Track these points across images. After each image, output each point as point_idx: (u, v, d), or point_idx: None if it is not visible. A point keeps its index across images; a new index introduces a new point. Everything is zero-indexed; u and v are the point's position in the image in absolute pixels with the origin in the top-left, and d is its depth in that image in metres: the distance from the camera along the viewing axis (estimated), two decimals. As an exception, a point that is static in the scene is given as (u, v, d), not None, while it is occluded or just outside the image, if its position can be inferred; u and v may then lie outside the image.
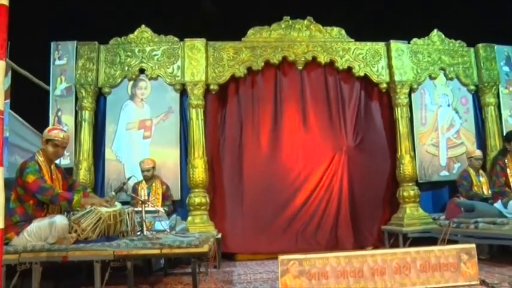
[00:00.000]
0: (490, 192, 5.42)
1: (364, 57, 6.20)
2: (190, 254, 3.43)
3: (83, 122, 5.67)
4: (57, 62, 5.84)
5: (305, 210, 5.99)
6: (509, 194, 4.74)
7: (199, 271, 4.14)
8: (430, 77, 6.36)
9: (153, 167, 5.55)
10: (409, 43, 6.33)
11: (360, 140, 6.28)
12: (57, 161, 3.98)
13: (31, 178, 3.44)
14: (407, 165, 5.93)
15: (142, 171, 5.49)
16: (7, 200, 3.53)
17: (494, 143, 6.22)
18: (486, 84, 6.39)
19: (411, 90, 6.23)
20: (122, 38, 6.02)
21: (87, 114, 5.71)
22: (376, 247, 5.88)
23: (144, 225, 3.79)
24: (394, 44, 6.22)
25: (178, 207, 5.80)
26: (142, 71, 5.96)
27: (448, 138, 6.35)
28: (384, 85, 6.19)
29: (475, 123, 6.52)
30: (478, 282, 3.38)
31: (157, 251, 3.37)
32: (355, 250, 4.95)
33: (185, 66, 5.88)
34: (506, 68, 6.59)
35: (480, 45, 6.52)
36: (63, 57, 5.85)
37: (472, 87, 6.48)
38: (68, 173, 4.36)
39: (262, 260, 5.48)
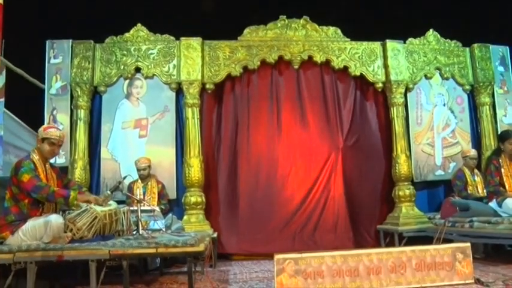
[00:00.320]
0: (484, 191, 5.44)
1: (360, 56, 6.21)
2: (186, 253, 3.42)
3: (79, 121, 5.65)
4: (53, 61, 5.82)
5: (302, 210, 5.99)
6: (503, 193, 4.77)
7: (195, 270, 4.13)
8: (426, 77, 6.37)
9: (149, 166, 5.54)
10: (404, 43, 6.35)
11: (356, 140, 6.28)
12: (52, 160, 3.96)
13: (26, 177, 3.42)
14: (403, 164, 5.94)
15: (138, 170, 5.48)
16: (2, 199, 3.55)
17: (489, 142, 6.25)
18: (481, 84, 6.42)
19: (407, 89, 6.24)
20: (118, 36, 6.00)
21: (82, 113, 5.69)
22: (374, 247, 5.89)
23: (140, 225, 3.78)
24: (390, 44, 6.23)
25: (174, 206, 5.79)
26: (138, 69, 5.94)
27: (444, 137, 6.37)
28: (380, 85, 6.20)
29: (470, 122, 6.54)
30: (473, 281, 3.39)
31: (152, 250, 3.36)
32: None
33: (181, 65, 5.87)
34: (501, 68, 6.62)
35: (475, 45, 6.55)
36: (59, 55, 5.83)
37: (468, 87, 6.50)
38: (63, 172, 4.35)
39: (258, 259, 5.48)
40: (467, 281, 3.39)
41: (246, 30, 6.17)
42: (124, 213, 3.79)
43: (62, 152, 5.50)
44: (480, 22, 7.12)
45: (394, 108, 6.11)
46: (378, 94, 6.33)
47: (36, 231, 3.40)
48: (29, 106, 6.30)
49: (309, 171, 6.10)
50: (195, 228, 5.28)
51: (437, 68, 6.41)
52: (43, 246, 3.29)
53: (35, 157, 3.62)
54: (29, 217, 3.48)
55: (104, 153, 5.80)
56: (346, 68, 6.18)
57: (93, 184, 5.74)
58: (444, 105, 6.44)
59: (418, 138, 6.27)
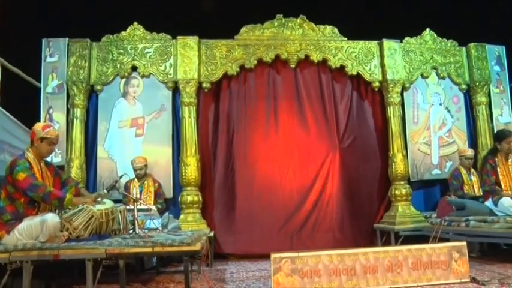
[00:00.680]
0: (481, 190, 5.46)
1: (356, 55, 6.21)
2: (182, 252, 3.42)
3: (75, 120, 5.64)
4: (49, 59, 5.81)
5: (299, 210, 5.98)
6: (499, 193, 4.78)
7: (191, 269, 4.12)
8: (422, 76, 6.39)
9: (145, 165, 5.54)
10: (401, 42, 6.36)
11: (353, 139, 6.29)
12: (48, 159, 3.94)
13: (22, 176, 3.40)
14: (400, 163, 5.96)
15: (135, 169, 5.47)
16: (-3, 198, 3.52)
17: (485, 141, 6.28)
18: (477, 84, 6.44)
19: (403, 89, 6.25)
20: (114, 35, 5.98)
21: (78, 112, 5.68)
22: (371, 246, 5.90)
23: (136, 224, 3.78)
24: (387, 43, 6.24)
25: (170, 205, 5.79)
26: (134, 68, 5.93)
27: (440, 136, 6.39)
28: (377, 84, 6.21)
29: (467, 122, 6.57)
30: (469, 280, 3.41)
31: (149, 249, 3.35)
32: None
33: (178, 64, 5.87)
34: (497, 68, 6.65)
35: (472, 44, 6.57)
36: (55, 54, 5.81)
37: (464, 86, 6.52)
38: (60, 169, 4.32)
39: (255, 258, 5.48)
40: (463, 280, 3.40)
41: (243, 29, 6.16)
42: (120, 212, 3.77)
43: (58, 151, 5.49)
44: (477, 22, 7.13)
45: (391, 107, 6.12)
46: (375, 93, 6.34)
47: (32, 230, 3.38)
48: (24, 105, 6.27)
49: (306, 171, 6.10)
50: (192, 227, 5.28)
51: (434, 68, 6.43)
52: (39, 245, 3.28)
53: (30, 156, 3.59)
54: (24, 216, 3.46)
55: (101, 152, 5.79)
56: (342, 67, 6.19)
57: (90, 183, 5.73)
58: (441, 104, 6.46)
59: (414, 137, 6.28)
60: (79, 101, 5.69)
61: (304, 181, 6.07)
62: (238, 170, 5.99)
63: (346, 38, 6.28)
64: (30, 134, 3.72)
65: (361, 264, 3.31)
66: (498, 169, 4.92)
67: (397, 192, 5.92)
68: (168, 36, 6.01)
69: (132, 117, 5.90)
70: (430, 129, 6.36)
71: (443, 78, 6.48)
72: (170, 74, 5.89)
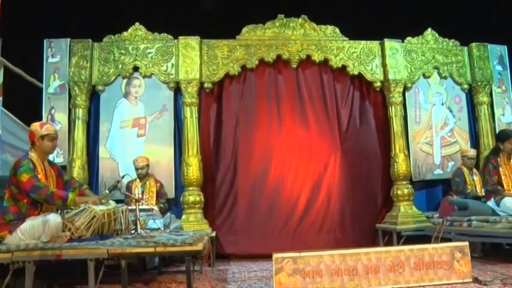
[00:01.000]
0: (483, 190, 5.45)
1: (358, 55, 6.21)
2: (184, 252, 3.42)
3: (77, 120, 5.65)
4: (51, 60, 5.81)
5: (302, 210, 5.98)
6: (502, 192, 4.77)
7: (193, 269, 4.13)
8: (424, 76, 6.38)
9: (147, 165, 5.54)
10: (403, 42, 6.35)
11: (355, 139, 6.28)
12: (50, 158, 3.94)
13: (25, 177, 3.40)
14: (402, 163, 5.95)
15: (136, 169, 5.48)
16: (0, 198, 3.54)
17: (487, 141, 6.26)
18: (479, 83, 6.43)
19: (405, 88, 6.25)
20: (116, 35, 5.99)
21: (80, 112, 5.69)
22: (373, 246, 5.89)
23: (138, 224, 3.78)
24: (388, 43, 6.23)
25: (172, 206, 5.79)
26: (136, 69, 5.94)
27: (442, 136, 6.38)
28: (378, 84, 6.20)
29: (469, 121, 6.56)
30: (471, 280, 3.41)
31: (151, 249, 3.35)
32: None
33: (179, 64, 5.87)
34: (499, 67, 6.63)
35: (473, 44, 6.56)
36: (57, 54, 5.82)
37: (466, 86, 6.51)
38: (62, 170, 4.33)
39: (257, 258, 5.48)
40: (465, 280, 3.40)
41: (244, 30, 6.16)
42: (122, 212, 3.78)
43: (60, 151, 5.50)
44: (478, 21, 7.13)
45: (393, 107, 6.11)
46: (376, 93, 6.33)
47: (35, 230, 3.39)
48: (26, 105, 6.29)
49: (308, 171, 6.09)
50: (194, 227, 5.28)
51: (436, 67, 6.42)
52: (41, 245, 3.28)
53: (34, 156, 3.59)
54: (27, 216, 3.46)
55: (102, 152, 5.80)
56: (344, 67, 6.18)
57: (92, 183, 5.72)
58: (442, 104, 6.45)
59: (416, 137, 6.28)
60: (81, 101, 5.70)
61: (306, 181, 6.07)
62: (240, 170, 5.99)
63: (347, 38, 6.28)
64: (29, 135, 3.71)
65: (363, 264, 3.31)
66: (500, 169, 4.90)
67: (399, 192, 5.92)
68: (170, 37, 6.02)
69: (134, 118, 5.90)
70: (432, 129, 6.36)
71: (445, 78, 6.47)
72: (172, 74, 5.89)
